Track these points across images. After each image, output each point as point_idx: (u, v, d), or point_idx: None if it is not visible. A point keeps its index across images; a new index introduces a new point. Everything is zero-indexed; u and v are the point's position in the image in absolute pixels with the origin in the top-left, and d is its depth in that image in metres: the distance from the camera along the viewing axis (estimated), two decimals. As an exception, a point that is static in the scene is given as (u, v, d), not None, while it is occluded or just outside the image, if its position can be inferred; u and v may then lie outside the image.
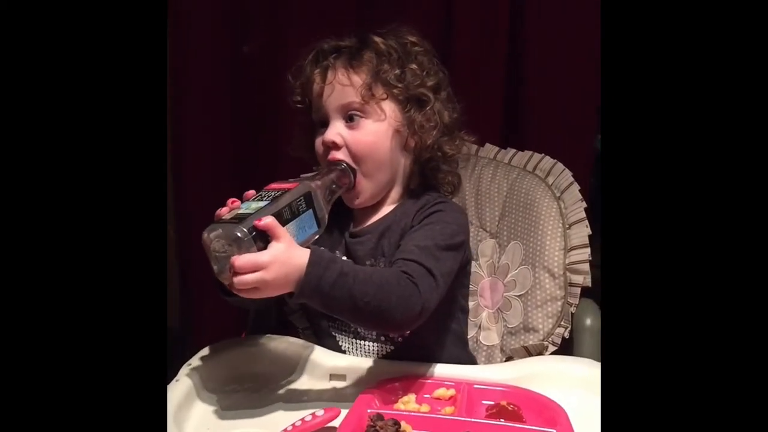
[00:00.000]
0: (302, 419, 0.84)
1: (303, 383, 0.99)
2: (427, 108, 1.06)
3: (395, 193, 1.10)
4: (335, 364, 1.00)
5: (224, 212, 0.88)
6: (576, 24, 1.43)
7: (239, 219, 0.82)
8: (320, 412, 0.85)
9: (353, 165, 1.02)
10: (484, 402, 0.91)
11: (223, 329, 1.14)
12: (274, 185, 0.91)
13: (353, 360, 1.02)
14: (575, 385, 0.95)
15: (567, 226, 1.24)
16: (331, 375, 0.99)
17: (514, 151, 1.36)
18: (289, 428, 0.83)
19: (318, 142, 1.05)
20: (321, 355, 1.02)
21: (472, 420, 0.84)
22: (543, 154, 1.35)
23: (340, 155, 1.02)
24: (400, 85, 1.04)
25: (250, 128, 1.59)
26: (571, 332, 1.18)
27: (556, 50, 1.45)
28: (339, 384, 0.98)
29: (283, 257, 0.82)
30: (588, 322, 1.16)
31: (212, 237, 0.82)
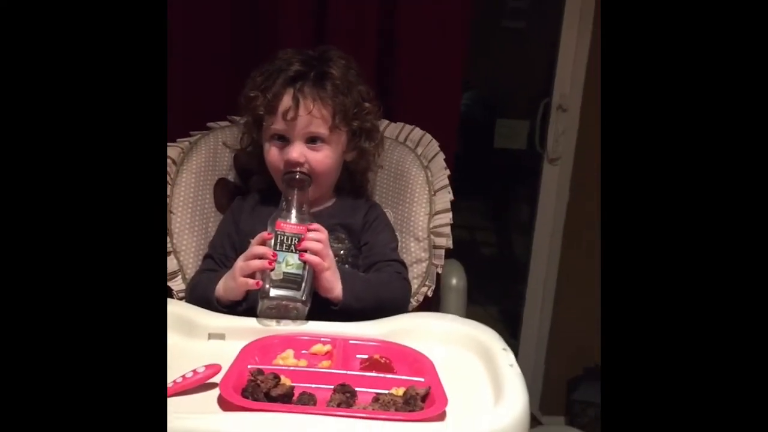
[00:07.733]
0: (183, 375, 0.84)
1: (182, 342, 0.99)
2: (377, 139, 1.30)
3: (328, 193, 1.30)
4: (213, 323, 1.01)
5: (267, 266, 1.05)
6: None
7: (292, 282, 1.04)
8: (201, 369, 0.85)
9: (309, 176, 1.18)
10: (358, 356, 0.96)
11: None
12: (283, 225, 1.07)
13: (230, 319, 1.04)
14: (441, 339, 1.01)
15: (433, 192, 1.32)
16: (209, 334, 1.00)
17: (387, 122, 1.41)
18: (170, 385, 0.83)
19: (275, 153, 1.21)
20: (198, 315, 1.03)
21: (348, 372, 0.89)
22: (413, 126, 1.42)
23: (302, 169, 1.18)
24: (357, 122, 1.24)
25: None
26: (435, 291, 1.26)
27: (425, 24, 1.51)
28: (218, 342, 0.99)
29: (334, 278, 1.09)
30: (454, 281, 1.24)
31: (276, 303, 1.03)
